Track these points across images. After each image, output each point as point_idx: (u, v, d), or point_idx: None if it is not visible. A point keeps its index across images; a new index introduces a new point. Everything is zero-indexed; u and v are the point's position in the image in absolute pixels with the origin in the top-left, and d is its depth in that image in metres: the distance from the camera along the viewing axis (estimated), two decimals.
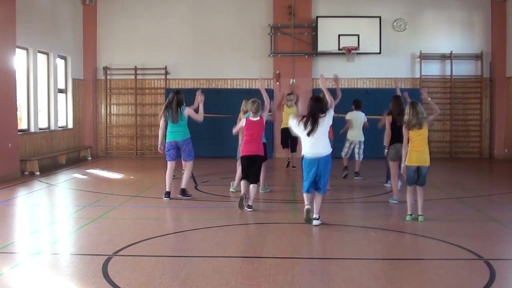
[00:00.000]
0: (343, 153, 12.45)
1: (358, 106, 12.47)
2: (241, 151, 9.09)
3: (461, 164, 15.86)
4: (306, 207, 7.77)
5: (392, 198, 9.55)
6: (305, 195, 7.82)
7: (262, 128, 8.93)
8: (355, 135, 12.33)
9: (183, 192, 9.83)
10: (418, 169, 8.08)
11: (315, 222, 7.70)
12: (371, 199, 10.07)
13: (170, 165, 9.85)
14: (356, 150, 12.40)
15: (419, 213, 8.13)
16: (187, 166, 9.83)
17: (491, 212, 8.76)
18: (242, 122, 8.96)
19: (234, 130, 9.26)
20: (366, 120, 12.34)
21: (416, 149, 8.03)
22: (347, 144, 12.41)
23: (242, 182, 8.94)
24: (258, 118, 8.87)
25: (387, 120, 9.67)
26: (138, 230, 7.51)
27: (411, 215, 8.16)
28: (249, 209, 8.64)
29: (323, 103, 7.84)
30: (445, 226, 7.83)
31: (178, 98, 9.59)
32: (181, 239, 7.13)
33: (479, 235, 7.38)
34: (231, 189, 10.51)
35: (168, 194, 9.76)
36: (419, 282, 5.37)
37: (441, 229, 7.65)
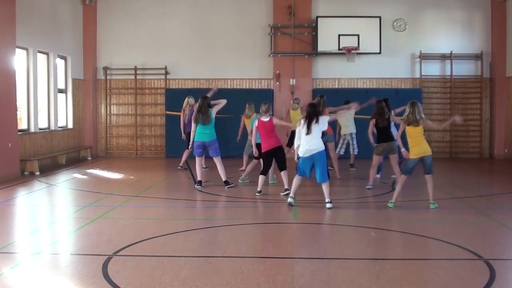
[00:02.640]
0: (336, 150, 13.25)
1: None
2: (262, 147, 10.20)
3: (461, 164, 15.86)
4: (289, 200, 9.07)
5: (368, 184, 10.93)
6: (298, 178, 9.07)
7: (273, 126, 10.14)
8: (345, 128, 13.26)
9: (226, 183, 10.95)
10: (422, 160, 8.92)
11: (328, 206, 8.86)
12: (371, 199, 10.08)
13: (199, 160, 11.11)
14: (351, 146, 13.38)
15: (431, 201, 9.01)
16: (217, 160, 11.02)
17: (491, 212, 8.76)
18: (255, 124, 10.21)
19: (253, 136, 10.50)
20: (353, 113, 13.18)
21: (415, 144, 8.93)
22: (340, 141, 13.37)
23: (260, 177, 10.12)
24: (269, 118, 10.07)
25: (371, 122, 10.88)
26: (138, 230, 7.51)
27: (393, 202, 9.04)
28: (286, 192, 9.81)
29: (317, 108, 9.33)
30: (445, 226, 7.83)
31: (206, 102, 10.91)
32: (181, 239, 7.13)
33: (479, 235, 7.38)
34: (239, 180, 11.69)
35: (200, 183, 11.01)
36: (419, 282, 5.37)
37: (441, 229, 7.66)
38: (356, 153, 13.47)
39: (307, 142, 8.89)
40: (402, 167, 9.78)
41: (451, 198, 10.15)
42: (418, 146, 8.90)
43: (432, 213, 8.68)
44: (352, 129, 13.29)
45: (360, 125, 13.57)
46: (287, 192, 9.74)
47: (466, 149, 17.62)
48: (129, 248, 6.48)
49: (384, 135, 10.70)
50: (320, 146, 8.95)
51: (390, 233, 7.55)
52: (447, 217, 8.45)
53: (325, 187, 8.96)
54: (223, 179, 10.99)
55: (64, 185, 11.95)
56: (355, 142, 13.40)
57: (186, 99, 13.71)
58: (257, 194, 10.05)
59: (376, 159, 10.86)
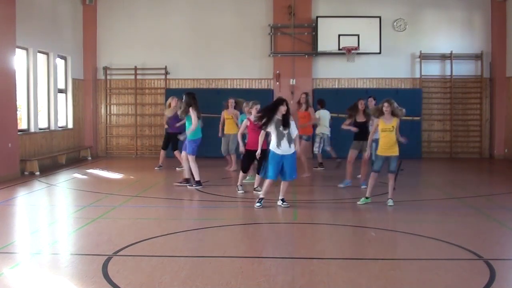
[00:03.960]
0: (315, 149, 13.68)
1: (323, 105, 13.64)
2: (247, 145, 10.21)
3: (461, 164, 15.85)
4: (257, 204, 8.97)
5: (345, 181, 10.92)
6: (270, 182, 8.95)
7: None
8: (321, 129, 13.42)
9: (187, 181, 10.96)
10: (387, 158, 8.98)
11: (280, 203, 8.99)
12: (371, 199, 10.06)
13: (194, 158, 10.88)
14: (325, 144, 13.56)
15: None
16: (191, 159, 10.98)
17: (491, 212, 8.76)
18: (244, 122, 10.19)
19: (240, 132, 10.48)
20: (330, 117, 13.54)
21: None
22: (317, 139, 13.51)
23: (257, 177, 10.20)
24: None
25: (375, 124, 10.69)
26: (138, 230, 7.51)
27: (392, 199, 9.08)
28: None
29: None
30: (445, 226, 7.83)
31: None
32: (181, 239, 7.13)
33: (479, 235, 7.38)
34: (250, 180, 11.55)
35: (200, 182, 10.91)
36: (419, 282, 5.37)
37: (441, 229, 7.65)
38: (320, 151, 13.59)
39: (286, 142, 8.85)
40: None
41: (451, 198, 10.15)
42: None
43: (432, 213, 8.68)
44: (327, 130, 13.49)
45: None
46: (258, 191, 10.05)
47: (466, 149, 17.61)
48: (129, 248, 6.48)
49: (362, 132, 10.72)
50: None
51: (390, 233, 7.55)
52: (447, 217, 8.46)
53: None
54: (188, 176, 11.03)
55: (64, 185, 11.95)
56: (329, 141, 13.57)
57: (176, 100, 13.42)
58: (254, 192, 10.07)
59: (352, 153, 10.88)
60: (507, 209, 9.15)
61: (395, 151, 8.97)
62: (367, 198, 9.19)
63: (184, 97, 10.92)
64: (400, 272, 5.67)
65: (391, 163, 9.01)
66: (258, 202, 8.96)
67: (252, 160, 10.19)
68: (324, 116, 13.44)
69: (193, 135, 10.77)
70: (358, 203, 9.17)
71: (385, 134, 8.93)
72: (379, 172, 9.12)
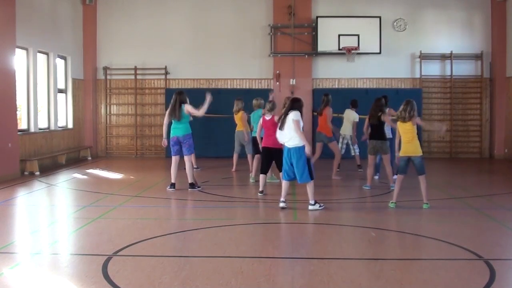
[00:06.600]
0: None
1: (354, 105, 13.33)
2: (261, 143, 10.19)
3: (461, 164, 15.86)
4: (281, 204, 8.87)
5: (365, 185, 10.85)
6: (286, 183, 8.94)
7: (275, 125, 9.58)
8: (343, 129, 13.24)
9: (192, 185, 10.71)
10: (411, 160, 8.86)
11: (309, 207, 8.75)
12: (371, 199, 10.08)
13: (174, 159, 10.75)
14: (351, 147, 13.31)
15: (424, 201, 8.95)
16: (187, 160, 10.71)
17: (491, 212, 8.76)
18: (259, 121, 10.28)
19: (258, 132, 10.46)
20: (357, 119, 13.08)
21: (404, 142, 8.82)
22: (340, 139, 13.29)
23: (261, 176, 10.12)
24: (271, 116, 10.05)
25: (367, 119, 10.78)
26: (138, 230, 7.51)
27: (394, 203, 8.97)
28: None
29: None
30: (445, 226, 7.83)
31: (180, 98, 10.54)
32: (181, 239, 7.14)
33: (479, 235, 7.38)
34: (251, 180, 11.84)
35: (173, 185, 10.74)
36: (419, 282, 5.37)
37: (441, 229, 7.65)
38: (357, 153, 13.34)
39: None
40: (395, 166, 9.74)
41: (451, 198, 10.15)
42: (406, 144, 8.80)
43: (432, 213, 8.68)
44: (350, 131, 13.24)
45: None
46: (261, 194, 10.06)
47: (466, 149, 17.62)
48: (129, 248, 6.48)
49: (373, 132, 10.65)
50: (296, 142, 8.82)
51: (390, 233, 7.55)
52: (447, 217, 8.46)
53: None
54: (190, 181, 10.70)
55: (64, 185, 11.95)
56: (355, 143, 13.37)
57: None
58: (259, 194, 10.05)
59: (369, 158, 10.76)
60: (507, 209, 9.15)
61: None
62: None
63: None
64: (400, 272, 5.66)
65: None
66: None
67: (269, 159, 10.09)
68: (346, 114, 13.33)
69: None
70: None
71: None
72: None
